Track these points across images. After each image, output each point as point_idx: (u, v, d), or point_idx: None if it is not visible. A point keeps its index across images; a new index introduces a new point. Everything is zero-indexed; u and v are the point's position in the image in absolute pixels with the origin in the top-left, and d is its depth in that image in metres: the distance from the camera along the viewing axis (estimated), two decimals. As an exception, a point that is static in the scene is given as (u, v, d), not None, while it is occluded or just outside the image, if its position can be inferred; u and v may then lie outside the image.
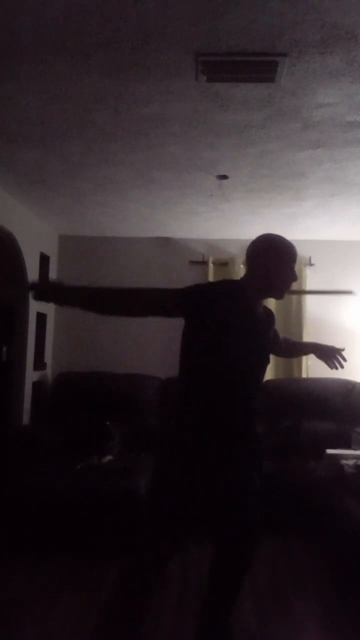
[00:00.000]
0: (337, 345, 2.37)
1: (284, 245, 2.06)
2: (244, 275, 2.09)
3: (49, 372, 4.94)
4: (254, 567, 3.08)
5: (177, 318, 1.97)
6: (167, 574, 2.34)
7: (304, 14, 1.89)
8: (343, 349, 2.35)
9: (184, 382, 2.01)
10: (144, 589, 1.98)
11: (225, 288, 2.03)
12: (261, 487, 2.04)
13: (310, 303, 4.97)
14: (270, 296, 2.15)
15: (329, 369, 2.37)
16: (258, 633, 2.47)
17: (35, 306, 4.53)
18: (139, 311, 2.13)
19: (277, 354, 2.49)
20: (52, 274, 4.99)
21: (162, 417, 4.40)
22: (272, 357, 5.48)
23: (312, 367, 4.84)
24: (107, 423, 4.10)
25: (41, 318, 4.72)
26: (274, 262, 2.02)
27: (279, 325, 5.52)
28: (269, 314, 2.24)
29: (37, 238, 4.62)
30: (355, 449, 3.79)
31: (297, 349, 2.71)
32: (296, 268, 2.08)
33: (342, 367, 2.31)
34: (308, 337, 4.85)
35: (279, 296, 2.13)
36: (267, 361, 2.15)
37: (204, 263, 5.05)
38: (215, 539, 2.04)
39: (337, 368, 2.32)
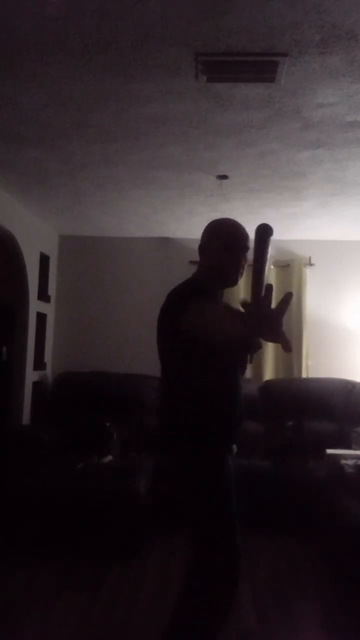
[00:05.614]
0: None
1: (219, 227, 1.93)
2: (197, 270, 1.96)
3: (49, 372, 4.94)
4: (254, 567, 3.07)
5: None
6: None
7: (304, 14, 1.89)
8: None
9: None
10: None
11: (181, 291, 1.86)
12: None
13: (311, 303, 4.96)
14: (223, 285, 1.95)
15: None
16: (258, 633, 2.47)
17: (35, 306, 4.53)
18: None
19: None
20: (52, 274, 5.00)
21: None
22: (270, 356, 5.40)
23: (312, 367, 4.84)
24: (107, 423, 4.10)
25: (41, 318, 4.72)
26: (213, 246, 1.89)
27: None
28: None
29: (37, 238, 4.62)
30: (355, 449, 3.80)
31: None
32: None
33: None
34: (308, 337, 4.84)
35: (229, 282, 1.92)
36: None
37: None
38: None
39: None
